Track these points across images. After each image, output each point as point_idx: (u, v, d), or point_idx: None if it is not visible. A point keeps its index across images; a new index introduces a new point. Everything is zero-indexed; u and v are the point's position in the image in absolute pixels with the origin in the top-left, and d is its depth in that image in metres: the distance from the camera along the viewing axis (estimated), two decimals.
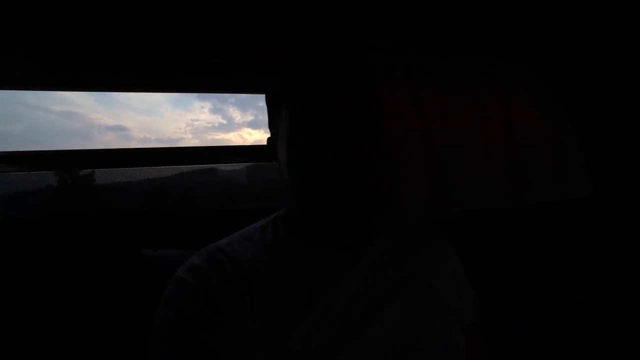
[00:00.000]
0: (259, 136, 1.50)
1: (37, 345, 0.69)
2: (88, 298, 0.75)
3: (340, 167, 0.46)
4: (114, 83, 0.83)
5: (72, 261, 0.77)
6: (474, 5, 0.74)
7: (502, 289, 0.98)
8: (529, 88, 0.93)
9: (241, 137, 1.52)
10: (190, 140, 1.36)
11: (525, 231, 1.11)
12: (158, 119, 1.32)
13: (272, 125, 0.57)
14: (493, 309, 0.90)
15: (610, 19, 0.83)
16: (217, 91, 0.95)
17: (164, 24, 0.70)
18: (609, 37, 0.92)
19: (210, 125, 1.42)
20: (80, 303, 0.75)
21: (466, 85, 0.88)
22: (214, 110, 1.43)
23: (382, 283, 0.51)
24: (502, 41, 0.89)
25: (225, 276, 0.45)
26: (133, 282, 0.73)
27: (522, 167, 0.89)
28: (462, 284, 0.60)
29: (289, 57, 0.78)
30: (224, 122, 1.46)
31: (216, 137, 1.53)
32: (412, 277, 0.53)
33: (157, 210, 0.96)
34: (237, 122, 1.48)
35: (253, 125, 1.45)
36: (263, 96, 0.60)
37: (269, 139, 0.58)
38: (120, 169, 0.89)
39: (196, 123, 1.37)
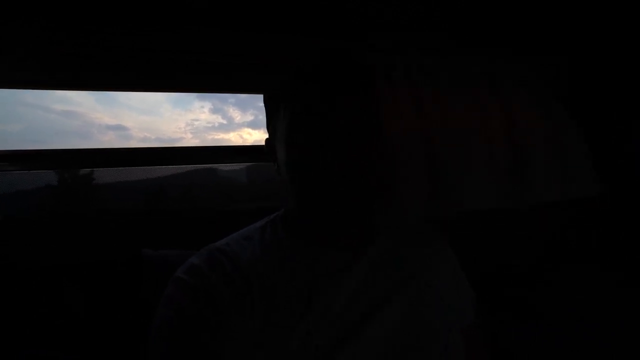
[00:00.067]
0: (259, 136, 1.50)
1: (37, 344, 0.69)
2: (88, 298, 0.75)
3: (340, 167, 0.46)
4: (114, 83, 0.83)
5: (71, 261, 0.77)
6: (474, 5, 0.74)
7: (502, 289, 0.98)
8: (529, 88, 0.93)
9: (241, 137, 1.53)
10: (190, 140, 1.36)
11: (525, 231, 1.11)
12: (158, 118, 1.33)
13: (271, 126, 0.57)
14: (493, 309, 0.91)
15: (610, 19, 0.83)
16: (217, 91, 0.95)
17: (164, 24, 0.70)
18: (609, 37, 0.92)
19: (210, 125, 1.43)
20: (80, 303, 0.75)
21: (466, 85, 0.87)
22: (214, 110, 1.44)
23: (382, 283, 0.51)
24: (502, 41, 0.89)
25: (225, 276, 0.45)
26: (133, 282, 0.73)
27: (522, 167, 0.88)
28: (462, 284, 0.60)
29: (289, 57, 0.78)
30: (224, 122, 1.46)
31: (216, 137, 1.53)
32: (412, 277, 0.53)
33: (157, 210, 0.95)
34: (237, 122, 1.49)
35: (253, 125, 1.45)
36: (263, 96, 0.60)
37: (267, 139, 0.58)
38: (120, 168, 0.89)
39: (196, 123, 1.37)
